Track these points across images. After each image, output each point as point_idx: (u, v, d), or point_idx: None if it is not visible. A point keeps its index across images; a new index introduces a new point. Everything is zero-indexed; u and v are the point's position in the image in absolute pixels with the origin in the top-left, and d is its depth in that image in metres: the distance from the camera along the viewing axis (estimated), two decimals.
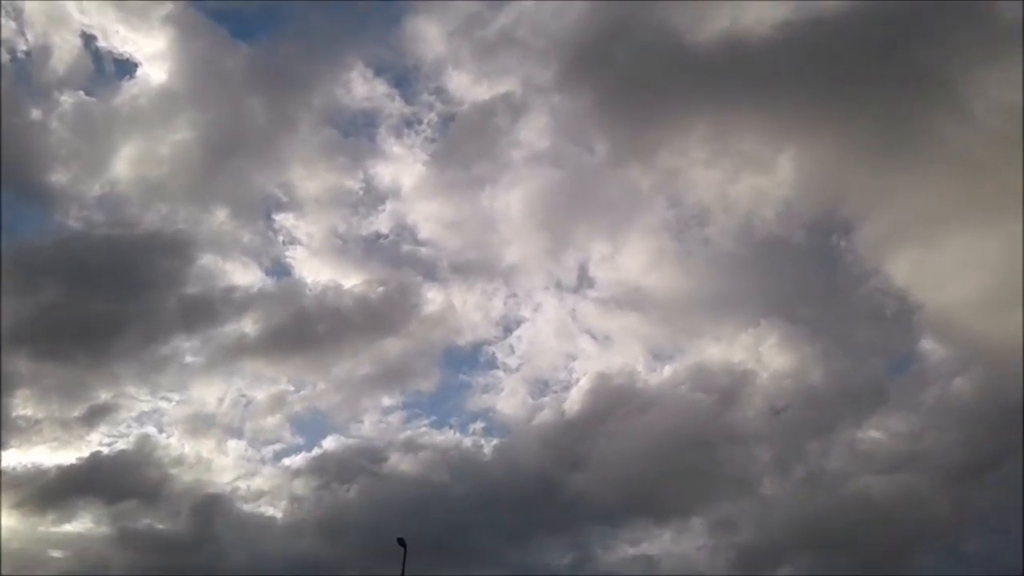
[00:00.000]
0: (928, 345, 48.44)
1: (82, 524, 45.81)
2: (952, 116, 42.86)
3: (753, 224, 51.59)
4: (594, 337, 55.59)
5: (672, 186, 52.74)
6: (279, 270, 53.55)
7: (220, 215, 53.09)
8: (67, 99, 49.96)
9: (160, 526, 45.49)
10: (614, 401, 50.73)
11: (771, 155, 48.85)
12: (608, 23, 50.22)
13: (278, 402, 50.87)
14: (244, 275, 52.64)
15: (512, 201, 55.77)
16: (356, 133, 56.61)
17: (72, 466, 46.06)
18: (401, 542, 22.16)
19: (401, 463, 48.36)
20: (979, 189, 44.31)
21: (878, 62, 44.40)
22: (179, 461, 48.05)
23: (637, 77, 49.06)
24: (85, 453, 47.44)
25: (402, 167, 56.58)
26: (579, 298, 56.27)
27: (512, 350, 55.41)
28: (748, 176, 50.26)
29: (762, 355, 51.19)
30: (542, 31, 52.32)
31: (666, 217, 53.88)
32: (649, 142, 50.94)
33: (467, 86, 54.90)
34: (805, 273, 52.63)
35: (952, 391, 47.84)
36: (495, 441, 50.84)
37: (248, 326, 50.25)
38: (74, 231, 48.28)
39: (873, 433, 48.92)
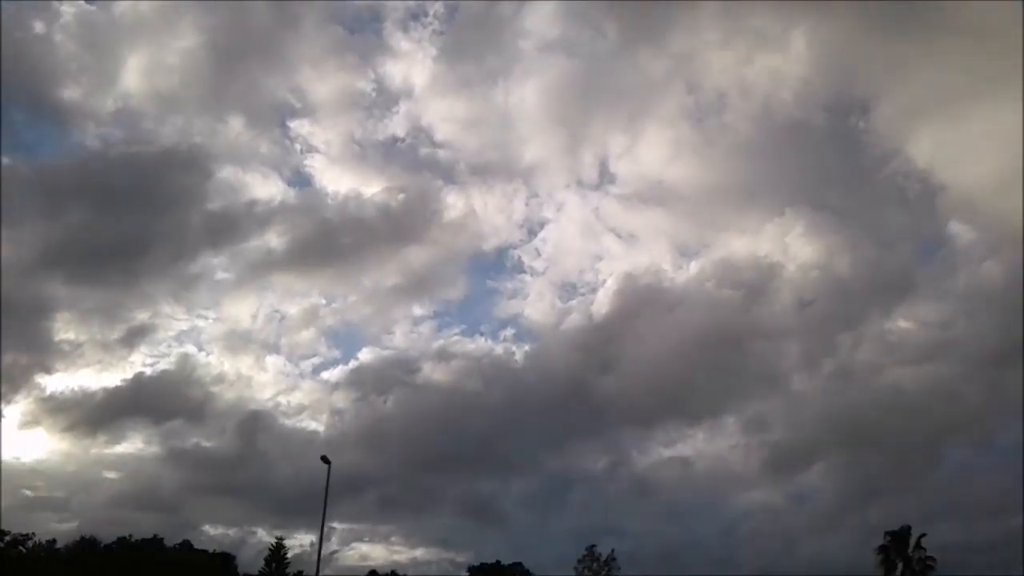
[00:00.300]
0: (956, 228, 47.63)
1: (132, 445, 47.47)
2: None
3: (771, 107, 50.18)
4: (619, 235, 55.30)
5: (687, 71, 50.90)
6: (299, 180, 53.06)
7: (235, 125, 52.49)
8: (68, 9, 48.68)
9: (207, 444, 47.10)
10: (642, 301, 50.95)
11: (783, 32, 46.96)
12: None
13: (311, 316, 51.39)
14: (265, 186, 52.51)
15: (527, 95, 54.30)
16: (362, 29, 54.72)
17: (117, 388, 47.41)
18: (324, 459, 22.95)
19: (434, 372, 49.23)
20: (993, 58, 42.53)
21: None
22: (220, 379, 49.22)
23: None
24: (129, 374, 48.64)
25: (412, 64, 55.01)
26: (601, 195, 55.55)
27: (538, 253, 55.36)
28: (762, 56, 48.46)
29: (788, 246, 50.75)
30: None
31: (683, 104, 52.40)
32: (660, 22, 48.91)
33: None
34: (827, 157, 51.56)
35: (981, 275, 47.44)
36: (526, 347, 51.25)
37: (273, 240, 50.45)
38: (93, 151, 47.99)
39: (902, 323, 48.85)
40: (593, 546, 36.42)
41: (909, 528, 33.01)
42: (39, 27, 47.28)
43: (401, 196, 52.73)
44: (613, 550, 36.79)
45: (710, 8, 48.75)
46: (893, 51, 45.23)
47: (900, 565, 33.09)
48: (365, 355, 53.34)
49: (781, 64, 48.76)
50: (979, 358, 46.76)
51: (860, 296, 50.45)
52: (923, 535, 32.44)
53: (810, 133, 52.29)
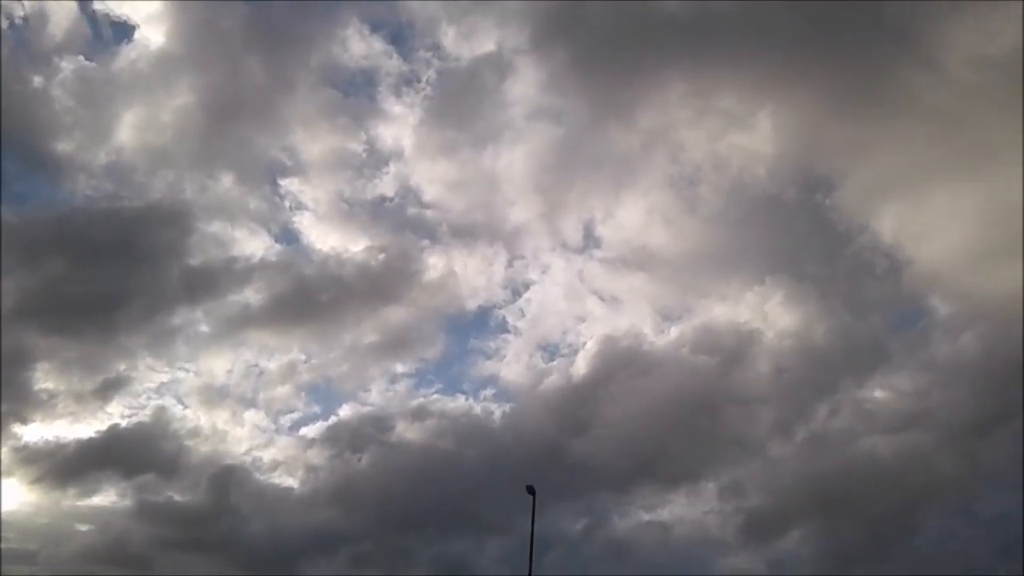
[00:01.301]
0: (930, 301, 48.38)
1: (106, 498, 46.67)
2: (922, 69, 42.78)
3: (745, 181, 51.51)
4: (602, 298, 55.78)
5: (662, 145, 52.37)
6: (287, 236, 53.66)
7: (226, 181, 53.10)
8: (67, 65, 49.61)
9: (179, 498, 46.35)
10: (621, 364, 51.05)
11: (750, 113, 48.55)
12: None
13: (289, 372, 51.25)
14: (252, 242, 52.77)
15: (514, 160, 55.52)
16: (356, 93, 56.07)
17: (90, 440, 46.70)
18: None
19: (410, 431, 48.92)
20: (954, 142, 44.17)
21: (845, 17, 43.78)
22: (195, 433, 48.70)
23: (610, 38, 48.55)
24: (103, 426, 48.11)
25: (403, 126, 56.20)
26: (586, 258, 56.24)
27: (522, 313, 55.67)
28: (732, 135, 49.99)
29: (767, 313, 51.27)
30: None
31: (663, 174, 53.56)
32: (629, 100, 50.57)
33: (464, 43, 54.18)
34: (801, 230, 52.65)
35: (956, 347, 47.83)
36: (504, 407, 51.20)
37: (252, 296, 50.50)
38: (74, 205, 48.33)
39: (878, 392, 49.06)
40: None
41: None
42: (38, 81, 48.19)
43: (381, 256, 53.20)
44: None
45: (679, 89, 50.41)
46: (854, 133, 46.91)
47: None
48: (343, 412, 52.97)
49: (749, 143, 50.35)
50: (955, 427, 46.97)
51: (837, 365, 50.75)
52: None
53: (783, 207, 53.55)
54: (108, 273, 46.95)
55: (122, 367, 48.69)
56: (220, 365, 51.66)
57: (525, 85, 54.39)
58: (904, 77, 43.28)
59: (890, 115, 44.67)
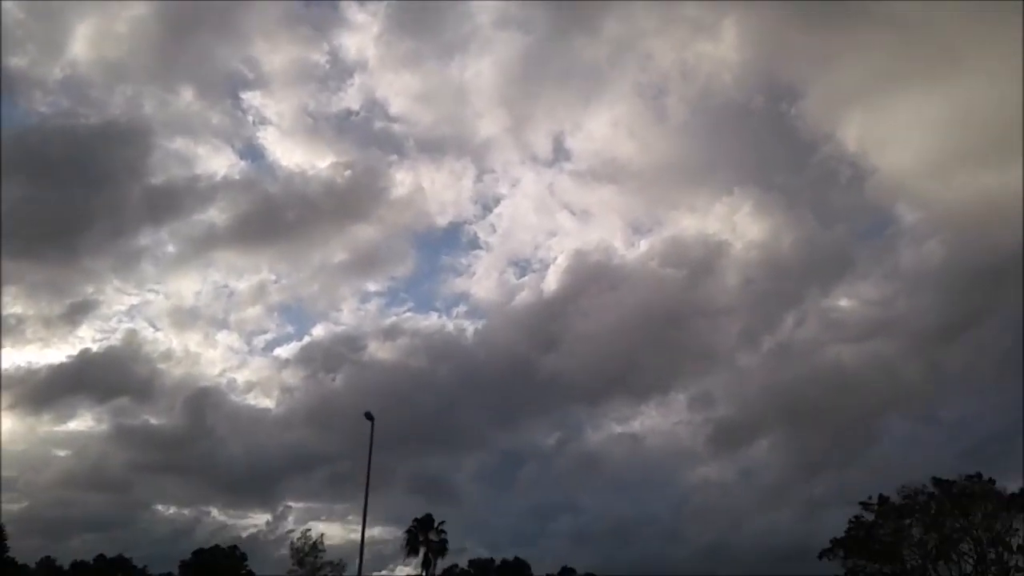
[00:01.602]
0: (895, 210, 48.69)
1: (82, 422, 47.00)
2: None
3: (712, 90, 50.87)
4: (572, 212, 55.59)
5: (629, 56, 51.26)
6: (251, 152, 52.51)
7: (186, 95, 51.69)
8: None
9: (155, 421, 46.69)
10: (592, 279, 51.45)
11: (716, 21, 47.70)
12: None
13: (259, 292, 50.96)
14: (216, 159, 51.84)
15: (482, 70, 54.14)
16: (317, 1, 54.16)
17: (62, 364, 46.69)
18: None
19: (384, 350, 49.23)
20: (918, 50, 43.89)
21: None
22: (167, 356, 48.70)
23: None
24: (75, 351, 47.95)
25: (367, 36, 54.49)
26: (556, 172, 55.76)
27: (492, 229, 55.53)
28: (698, 44, 49.15)
29: (736, 224, 51.60)
30: None
31: (631, 84, 52.52)
32: (592, 10, 49.41)
33: None
34: (768, 139, 52.37)
35: (920, 255, 48.54)
36: (477, 324, 51.40)
37: (217, 215, 49.78)
38: (30, 124, 47.05)
39: (844, 301, 49.95)
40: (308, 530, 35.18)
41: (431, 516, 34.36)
42: None
43: (348, 172, 52.43)
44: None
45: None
46: (818, 42, 46.30)
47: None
48: (315, 332, 53.20)
49: (715, 51, 49.47)
50: (919, 335, 47.86)
51: (803, 274, 51.49)
52: (443, 522, 34.02)
53: (750, 116, 53.09)
54: (68, 194, 46.10)
55: (89, 290, 48.46)
56: (188, 286, 51.28)
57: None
58: None
59: (855, 23, 44.20)
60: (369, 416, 24.98)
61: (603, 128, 54.00)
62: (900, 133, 46.02)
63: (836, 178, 49.57)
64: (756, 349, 49.13)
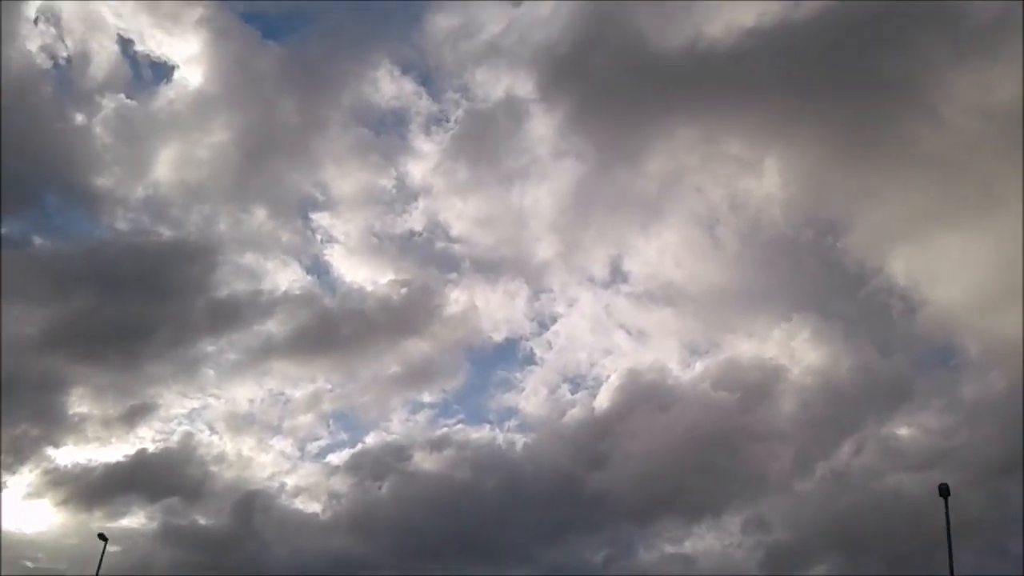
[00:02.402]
0: (957, 340, 48.08)
1: (134, 519, 47.40)
2: (922, 119, 43.29)
3: (761, 222, 51.85)
4: (628, 332, 55.97)
5: (676, 188, 53.18)
6: (317, 268, 54.78)
7: (259, 215, 54.32)
8: (108, 103, 51.26)
9: (203, 522, 46.93)
10: (644, 397, 51.05)
11: (757, 158, 49.29)
12: (583, 32, 50.71)
13: (313, 400, 51.83)
14: (283, 273, 53.88)
15: (540, 196, 56.26)
16: (386, 131, 57.37)
17: (118, 463, 47.52)
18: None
19: (432, 460, 49.10)
20: (955, 190, 44.64)
21: (846, 67, 44.54)
22: (220, 459, 49.38)
23: (612, 86, 50.19)
24: (132, 451, 48.95)
25: (432, 163, 57.28)
26: (613, 293, 56.58)
27: (550, 345, 56.04)
28: (741, 179, 50.77)
29: (794, 350, 51.16)
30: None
31: (684, 214, 54.08)
32: (635, 148, 51.67)
33: (490, 85, 55.02)
34: (822, 270, 52.79)
35: (979, 387, 47.39)
36: (527, 438, 51.30)
37: (276, 327, 51.30)
38: (104, 239, 49.85)
39: (904, 430, 48.63)
40: None
41: None
42: (80, 119, 50.18)
43: (404, 290, 54.24)
44: None
45: (689, 134, 51.43)
46: (858, 179, 47.50)
47: None
48: (368, 440, 53.63)
49: (759, 187, 51.08)
50: (981, 466, 46.39)
51: (862, 401, 50.54)
52: None
53: (800, 248, 53.92)
54: (136, 304, 48.17)
55: (149, 394, 49.63)
56: (244, 393, 52.40)
57: (543, 127, 55.60)
58: (905, 126, 43.90)
59: (892, 163, 45.46)
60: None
61: (659, 253, 55.22)
62: (948, 268, 46.33)
63: (887, 310, 49.66)
64: (812, 475, 48.04)
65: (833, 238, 49.79)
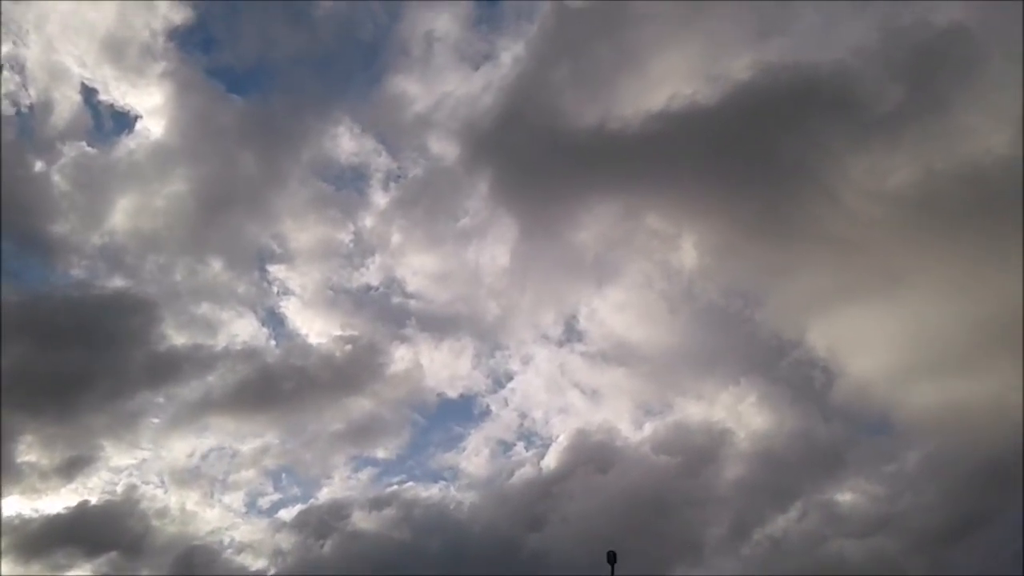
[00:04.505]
0: (876, 411, 49.32)
1: (80, 571, 46.46)
2: (823, 201, 44.82)
3: (693, 292, 53.47)
4: (582, 391, 56.38)
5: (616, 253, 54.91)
6: (274, 320, 54.88)
7: (215, 266, 54.50)
8: (68, 150, 51.56)
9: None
10: (592, 458, 51.31)
11: (676, 233, 51.12)
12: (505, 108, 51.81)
13: (260, 455, 51.53)
14: (239, 324, 53.89)
15: (497, 255, 57.09)
16: (346, 187, 58.11)
17: (57, 516, 46.71)
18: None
19: (372, 520, 48.93)
20: (858, 269, 46.69)
21: (751, 150, 46.27)
22: (163, 513, 48.75)
23: (530, 164, 51.24)
24: (72, 503, 48.24)
25: (390, 220, 57.88)
26: (567, 352, 57.08)
27: (505, 403, 56.28)
28: (662, 252, 52.50)
29: (741, 414, 51.88)
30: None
31: (633, 277, 55.44)
32: (556, 223, 53.47)
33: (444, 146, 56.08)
34: (751, 339, 54.31)
35: (914, 456, 48.42)
36: (473, 497, 51.31)
37: (219, 381, 51.19)
38: (41, 293, 49.76)
39: (848, 496, 49.18)
40: None
41: None
42: (39, 166, 50.49)
43: (348, 348, 54.40)
44: None
45: (613, 208, 53.48)
46: (768, 256, 49.42)
47: None
48: (319, 495, 53.33)
49: (678, 260, 52.97)
50: (923, 533, 47.04)
51: (805, 467, 51.22)
52: None
53: (730, 317, 55.49)
54: (74, 354, 47.88)
55: (89, 446, 49.11)
56: (183, 448, 52.14)
57: (474, 195, 57.15)
58: (807, 208, 45.57)
59: (797, 242, 47.41)
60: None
61: (613, 313, 56.04)
62: (858, 342, 48.21)
63: (809, 381, 51.19)
64: (756, 539, 48.37)
65: (751, 310, 51.41)
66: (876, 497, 47.99)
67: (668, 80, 49.78)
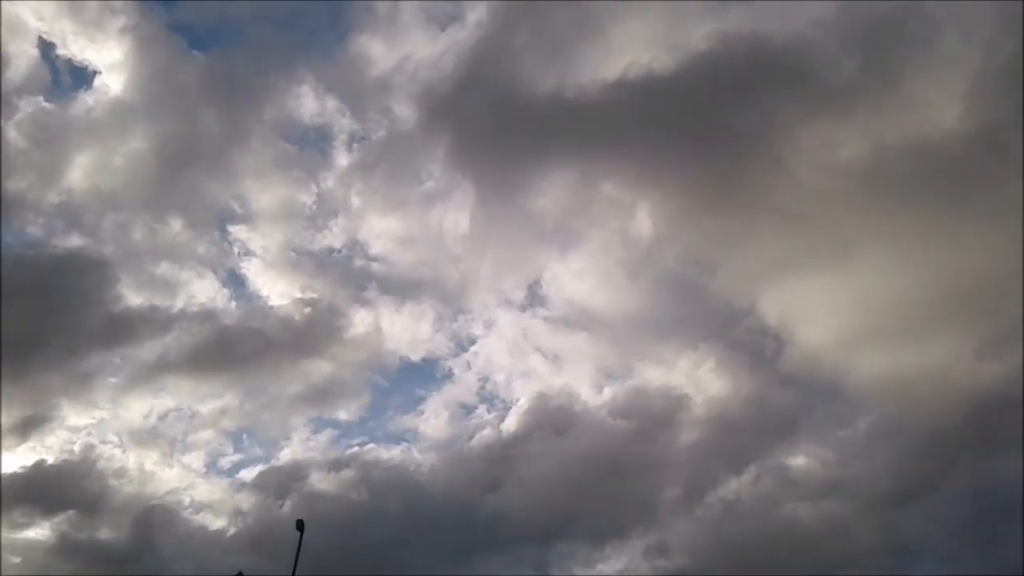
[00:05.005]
0: (827, 377, 50.14)
1: (40, 532, 46.32)
2: (774, 173, 45.32)
3: (652, 259, 53.75)
4: (544, 355, 56.68)
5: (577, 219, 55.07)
6: (235, 280, 54.48)
7: (175, 225, 53.82)
8: (25, 105, 50.38)
9: (103, 536, 46.07)
10: (552, 421, 51.76)
11: (632, 201, 51.47)
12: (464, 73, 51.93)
13: (219, 416, 51.38)
14: (199, 285, 53.46)
15: (461, 219, 56.92)
16: (309, 147, 57.50)
17: (14, 475, 46.40)
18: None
19: (333, 480, 49.00)
20: (808, 239, 47.51)
21: (705, 121, 47.01)
22: (121, 473, 48.58)
23: (487, 130, 51.77)
24: (28, 462, 47.90)
25: (353, 180, 57.44)
26: (530, 316, 57.26)
27: (468, 366, 56.43)
28: (618, 220, 52.84)
29: (700, 379, 52.49)
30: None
31: (595, 243, 55.63)
32: (512, 189, 53.54)
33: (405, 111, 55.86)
34: (707, 307, 54.96)
35: (865, 421, 49.42)
36: (434, 459, 51.58)
37: (175, 343, 50.74)
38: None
39: (801, 459, 50.05)
40: None
41: None
42: None
43: (308, 309, 54.10)
44: None
45: (570, 177, 53.62)
46: (722, 226, 50.03)
47: None
48: (279, 457, 53.34)
49: (635, 228, 53.49)
50: (873, 497, 48.17)
51: (760, 431, 52.10)
52: None
53: (686, 284, 56.02)
54: (27, 314, 47.16)
55: (43, 406, 48.65)
56: (140, 408, 51.72)
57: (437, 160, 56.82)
58: (758, 179, 45.91)
59: (749, 212, 48.03)
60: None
61: (575, 279, 56.21)
62: (808, 311, 49.10)
63: (760, 349, 52.02)
64: (706, 502, 49.36)
65: (705, 279, 51.99)
66: (828, 461, 48.98)
67: (628, 48, 49.91)
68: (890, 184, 43.12)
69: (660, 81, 47.08)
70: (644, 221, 51.35)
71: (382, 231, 56.73)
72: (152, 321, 49.71)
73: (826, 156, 44.47)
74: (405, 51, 56.16)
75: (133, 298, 50.41)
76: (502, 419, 52.67)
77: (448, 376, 55.62)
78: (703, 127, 46.82)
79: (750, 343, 51.39)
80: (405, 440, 55.55)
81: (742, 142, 45.94)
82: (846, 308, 46.64)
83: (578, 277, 56.30)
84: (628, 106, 47.43)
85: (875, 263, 44.99)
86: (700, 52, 47.06)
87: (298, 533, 24.71)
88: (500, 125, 50.69)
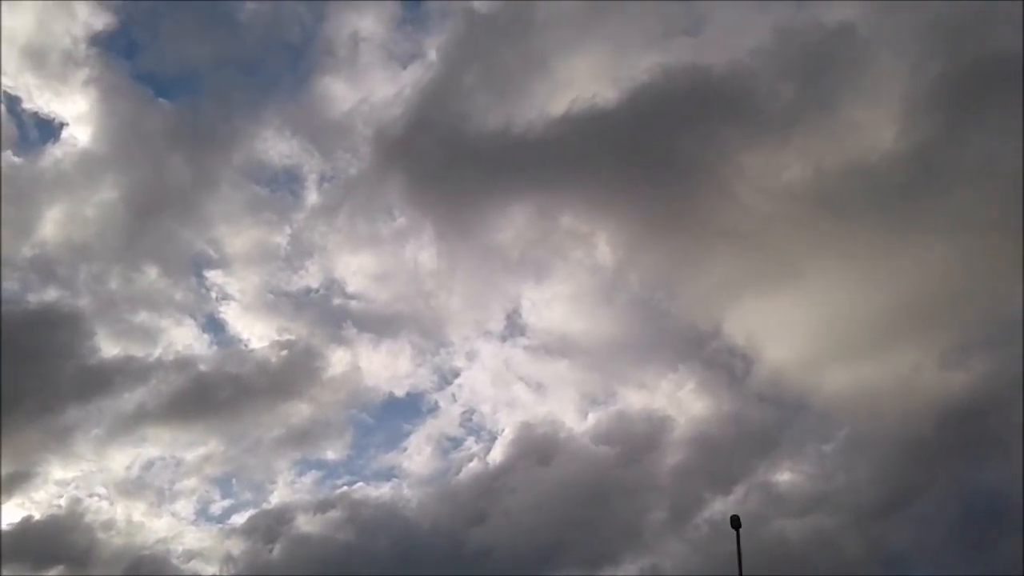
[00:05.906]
0: (795, 396, 50.77)
1: None
2: (719, 198, 46.34)
3: (619, 284, 54.48)
4: (527, 384, 56.72)
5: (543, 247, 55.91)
6: (214, 326, 54.46)
7: (151, 273, 53.85)
8: None
9: None
10: (537, 450, 51.85)
11: (590, 231, 52.33)
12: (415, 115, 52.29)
13: (204, 463, 51.26)
14: (179, 332, 53.41)
15: (436, 253, 57.17)
16: (280, 189, 57.75)
17: (1, 533, 46.16)
18: None
19: (323, 522, 48.88)
20: (757, 262, 48.51)
21: (650, 150, 47.86)
22: (109, 525, 48.31)
23: (440, 168, 51.66)
24: (15, 519, 47.69)
25: (327, 220, 57.64)
26: (511, 346, 57.36)
27: (453, 399, 56.52)
28: (576, 250, 53.73)
29: (681, 400, 52.77)
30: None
31: (569, 268, 56.26)
32: (468, 225, 54.37)
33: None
34: (675, 329, 55.68)
35: (842, 436, 50.01)
36: (421, 494, 51.55)
37: (155, 393, 50.64)
38: None
39: (786, 475, 50.25)
40: None
41: None
42: None
43: (284, 352, 54.22)
44: None
45: (527, 210, 54.61)
46: (676, 250, 51.19)
47: None
48: (270, 500, 53.25)
49: (591, 258, 54.63)
50: (858, 509, 48.53)
51: (743, 449, 52.53)
52: None
53: (654, 308, 56.77)
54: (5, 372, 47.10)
55: (24, 462, 48.46)
56: (122, 460, 51.59)
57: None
58: (704, 204, 46.99)
59: (699, 237, 49.04)
60: None
61: (552, 307, 56.51)
62: (769, 332, 49.94)
63: (730, 369, 52.80)
64: (693, 524, 49.45)
65: (668, 303, 52.71)
66: (811, 476, 49.29)
67: (574, 83, 50.81)
68: (833, 204, 44.19)
69: (603, 114, 48.17)
70: (604, 250, 52.09)
71: (357, 268, 56.96)
72: (127, 372, 49.62)
73: (769, 180, 45.52)
74: (364, 91, 56.69)
75: (110, 348, 50.35)
76: (488, 450, 52.72)
77: (433, 409, 55.65)
78: (650, 156, 47.94)
79: (721, 364, 51.95)
80: (393, 476, 55.39)
81: (688, 169, 47.24)
82: (805, 326, 47.43)
83: (553, 305, 56.65)
84: (574, 140, 48.51)
85: (828, 281, 45.99)
86: (643, 84, 48.11)
87: None
88: (451, 163, 51.44)
